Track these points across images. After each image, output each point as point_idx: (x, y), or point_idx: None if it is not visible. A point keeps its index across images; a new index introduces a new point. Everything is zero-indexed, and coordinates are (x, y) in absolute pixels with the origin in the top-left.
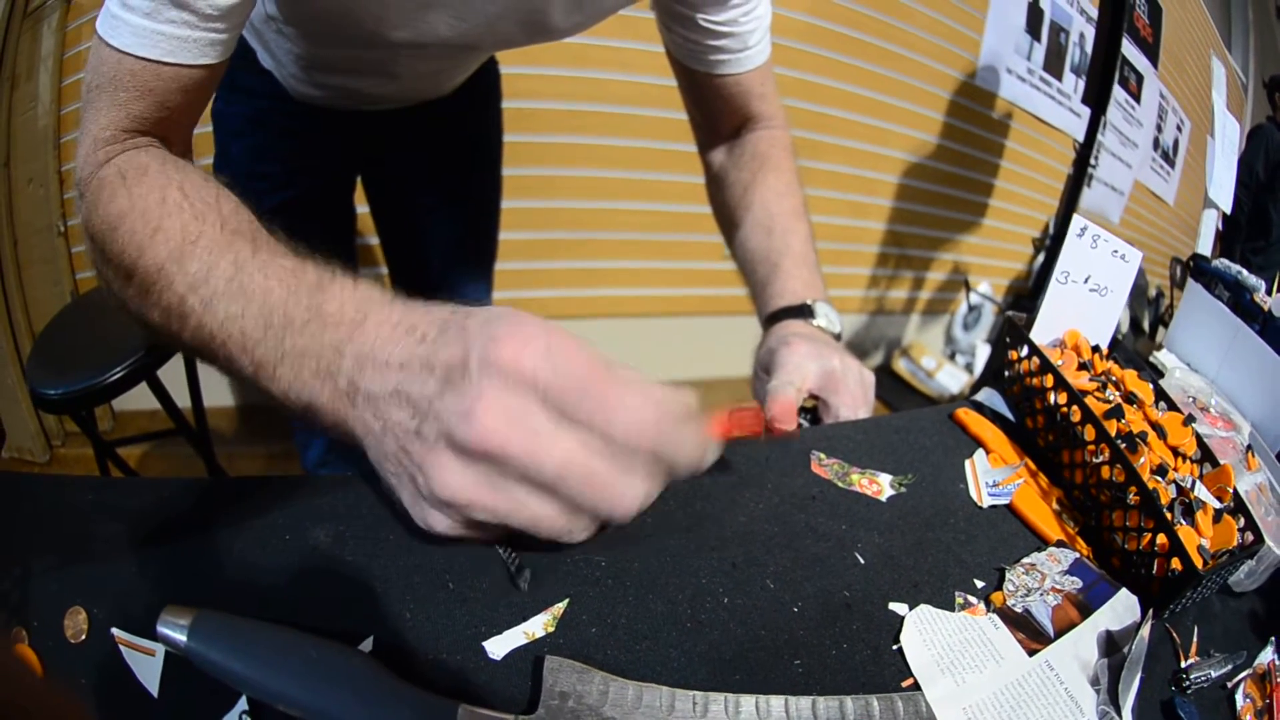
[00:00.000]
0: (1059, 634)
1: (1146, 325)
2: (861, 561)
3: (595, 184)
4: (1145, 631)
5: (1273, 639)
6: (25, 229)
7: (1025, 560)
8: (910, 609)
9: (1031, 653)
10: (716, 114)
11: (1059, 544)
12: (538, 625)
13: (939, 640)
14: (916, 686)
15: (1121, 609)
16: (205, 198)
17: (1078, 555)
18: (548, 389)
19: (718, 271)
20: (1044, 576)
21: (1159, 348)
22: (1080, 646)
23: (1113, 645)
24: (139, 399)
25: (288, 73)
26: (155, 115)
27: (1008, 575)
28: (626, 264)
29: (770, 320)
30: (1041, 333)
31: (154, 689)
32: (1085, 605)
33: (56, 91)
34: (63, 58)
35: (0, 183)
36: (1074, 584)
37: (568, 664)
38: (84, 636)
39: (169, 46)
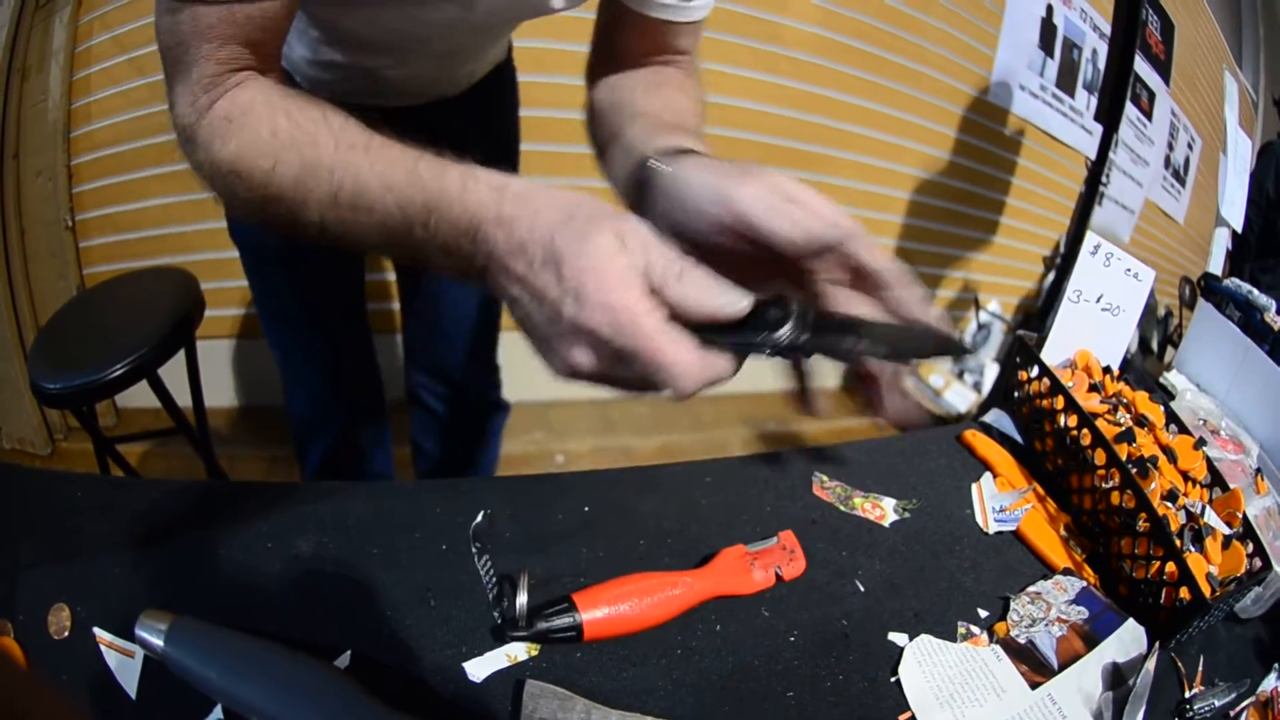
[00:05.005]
0: (1063, 666)
1: (1155, 345)
2: (861, 589)
3: (609, 196)
4: (1151, 664)
5: (1276, 665)
6: (33, 221)
7: (1031, 589)
8: (910, 639)
9: (1034, 685)
10: (633, 50)
11: (1066, 572)
12: (521, 648)
13: (939, 672)
14: None
15: (1128, 640)
16: (313, 117)
17: (1085, 584)
18: (614, 350)
19: None
20: (1049, 606)
21: (1168, 368)
22: (1084, 679)
23: (1118, 677)
24: (143, 396)
25: (298, 56)
26: (244, 55)
27: (1012, 605)
28: None
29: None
30: (1052, 353)
31: (132, 691)
32: (1091, 636)
33: (67, 86)
34: (74, 52)
35: (9, 175)
36: (1080, 614)
37: (549, 689)
38: (67, 634)
39: None
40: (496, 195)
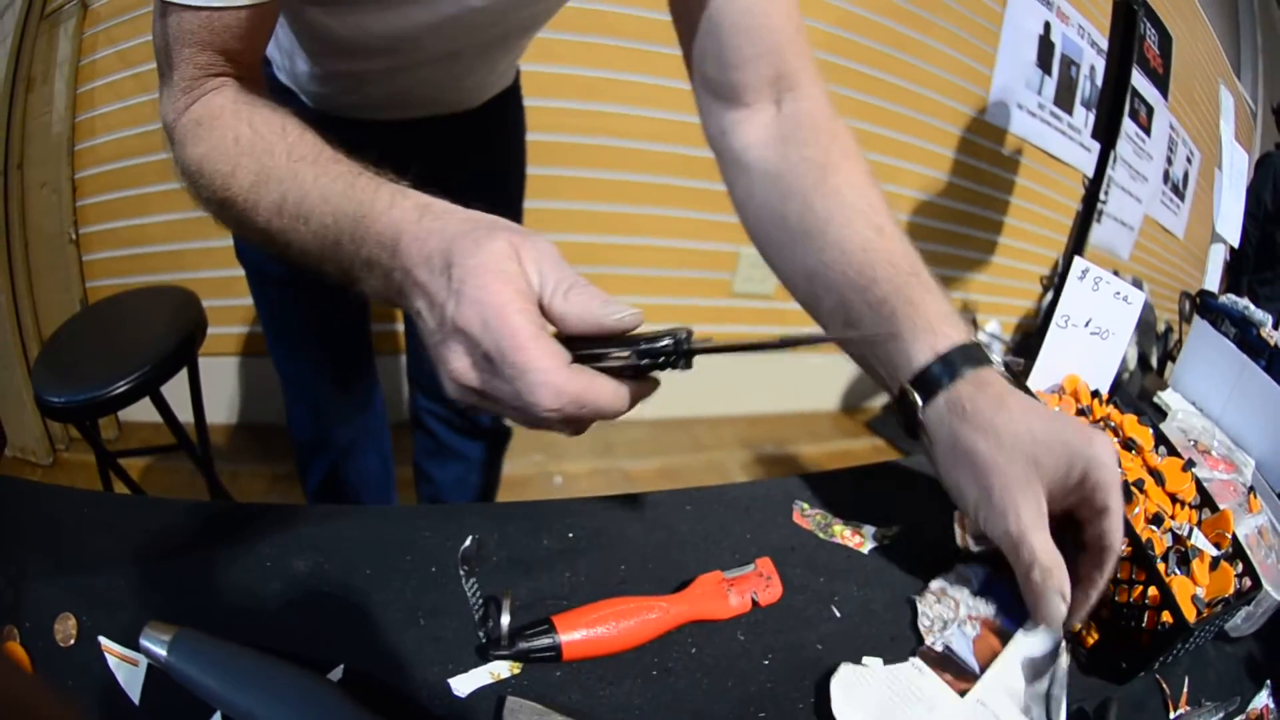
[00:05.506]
0: (984, 668)
1: (1154, 361)
2: (838, 615)
3: (609, 219)
4: (1063, 651)
5: (1268, 683)
6: (37, 233)
7: (933, 586)
8: (885, 663)
9: (962, 693)
10: (732, 65)
11: (966, 560)
12: (503, 666)
13: (871, 698)
14: None
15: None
16: (273, 129)
17: (987, 572)
18: (483, 352)
19: (730, 308)
20: (956, 603)
21: (1165, 386)
22: (1008, 677)
23: (1038, 669)
24: (145, 410)
25: (300, 70)
26: (220, 61)
27: (920, 608)
28: (640, 299)
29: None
30: (1041, 378)
31: (136, 697)
32: (1005, 632)
33: (72, 99)
34: (79, 64)
35: (14, 185)
36: (989, 609)
37: (527, 705)
38: (73, 642)
39: None
40: (418, 212)
